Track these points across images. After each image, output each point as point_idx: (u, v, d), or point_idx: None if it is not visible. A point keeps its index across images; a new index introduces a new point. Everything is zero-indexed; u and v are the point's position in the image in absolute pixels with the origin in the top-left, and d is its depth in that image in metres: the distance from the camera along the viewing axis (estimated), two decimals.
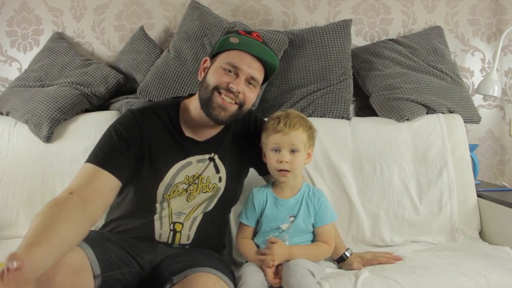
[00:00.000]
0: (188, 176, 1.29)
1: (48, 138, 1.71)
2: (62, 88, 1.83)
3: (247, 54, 1.25)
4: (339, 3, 2.16)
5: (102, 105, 1.91)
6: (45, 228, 0.95)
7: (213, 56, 1.30)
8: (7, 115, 1.83)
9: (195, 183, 1.30)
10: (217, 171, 1.33)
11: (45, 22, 2.11)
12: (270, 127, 1.31)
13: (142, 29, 2.04)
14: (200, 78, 1.31)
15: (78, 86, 1.85)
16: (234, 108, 1.25)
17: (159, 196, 1.27)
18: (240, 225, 1.39)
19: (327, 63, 1.90)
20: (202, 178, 1.31)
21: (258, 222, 1.36)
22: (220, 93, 1.23)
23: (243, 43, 1.25)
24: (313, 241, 1.35)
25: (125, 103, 1.85)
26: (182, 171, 1.29)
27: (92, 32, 2.11)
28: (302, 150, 1.30)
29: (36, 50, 2.07)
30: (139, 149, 1.24)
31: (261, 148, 1.36)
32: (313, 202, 1.33)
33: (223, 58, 1.26)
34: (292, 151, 1.29)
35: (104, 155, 1.18)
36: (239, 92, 1.23)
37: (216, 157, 1.33)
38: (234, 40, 1.25)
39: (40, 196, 1.67)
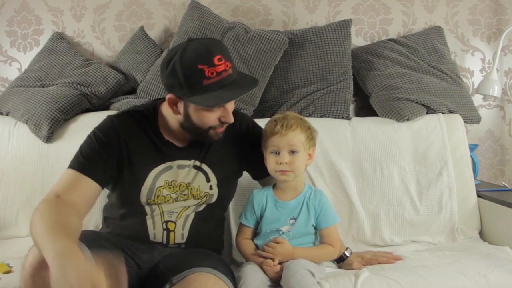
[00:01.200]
0: (168, 181, 1.28)
1: (48, 138, 1.71)
2: (62, 88, 1.83)
3: None
4: (339, 3, 2.16)
5: (102, 105, 1.91)
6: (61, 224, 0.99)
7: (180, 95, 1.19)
8: (7, 115, 1.83)
9: (185, 193, 1.29)
10: (208, 180, 1.32)
11: (45, 22, 2.11)
12: (268, 130, 1.31)
13: (142, 29, 2.04)
14: (174, 113, 1.23)
15: (78, 86, 1.85)
16: (225, 127, 1.27)
17: (143, 200, 1.27)
18: (240, 226, 1.39)
19: (327, 63, 1.90)
20: (192, 188, 1.30)
21: (257, 223, 1.36)
22: (215, 128, 1.24)
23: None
24: (315, 242, 1.35)
25: (125, 103, 1.85)
26: (161, 175, 1.28)
27: (92, 32, 2.11)
28: (301, 150, 1.29)
29: (36, 50, 2.07)
30: (119, 154, 1.25)
31: (262, 153, 1.35)
32: (314, 204, 1.33)
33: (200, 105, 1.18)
34: (292, 152, 1.29)
35: (86, 161, 1.21)
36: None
37: (205, 166, 1.31)
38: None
39: (40, 196, 1.63)
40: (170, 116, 1.26)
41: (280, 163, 1.28)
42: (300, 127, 1.30)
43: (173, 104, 1.22)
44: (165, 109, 1.28)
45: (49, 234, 0.94)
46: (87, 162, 1.20)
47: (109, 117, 1.31)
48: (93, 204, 1.21)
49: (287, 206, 1.33)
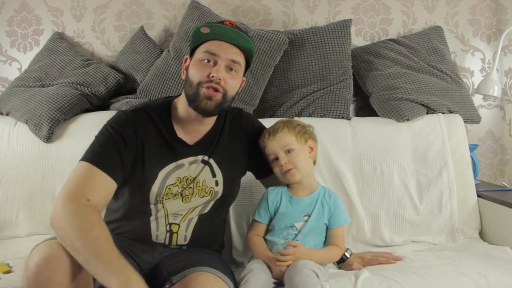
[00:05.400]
0: (180, 178, 1.28)
1: (48, 138, 1.71)
2: (62, 88, 1.83)
3: (222, 41, 1.25)
4: (339, 3, 2.16)
5: (102, 105, 1.91)
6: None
7: (191, 53, 1.30)
8: (7, 115, 1.83)
9: (190, 187, 1.29)
10: (214, 175, 1.32)
11: (45, 22, 2.11)
12: (261, 143, 1.36)
13: (142, 29, 2.04)
14: (183, 77, 1.31)
15: (78, 86, 1.85)
16: (219, 96, 1.24)
17: (152, 198, 1.26)
18: (253, 222, 1.39)
19: (327, 63, 1.90)
20: (197, 182, 1.30)
21: (270, 221, 1.36)
22: (204, 86, 1.23)
23: (214, 31, 1.25)
24: (325, 242, 1.37)
25: (125, 103, 1.85)
26: (173, 173, 1.27)
27: (92, 32, 2.11)
28: (296, 147, 1.32)
29: (36, 50, 2.07)
30: (135, 150, 1.23)
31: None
32: (329, 203, 1.35)
33: (200, 51, 1.25)
34: (288, 151, 1.32)
35: (103, 153, 1.18)
36: (219, 79, 1.22)
37: (212, 161, 1.32)
38: (205, 30, 1.24)
39: (40, 196, 1.67)
40: (182, 104, 1.28)
41: (281, 165, 1.31)
42: (286, 127, 1.34)
43: (185, 69, 1.30)
44: (178, 103, 1.31)
45: (111, 259, 1.00)
46: (105, 155, 1.18)
47: (124, 112, 1.29)
48: (107, 202, 1.20)
49: (302, 202, 1.34)
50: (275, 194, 1.37)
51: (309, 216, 1.33)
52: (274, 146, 1.32)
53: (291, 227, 1.32)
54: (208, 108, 1.23)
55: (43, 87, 1.88)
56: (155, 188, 1.25)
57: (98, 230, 1.03)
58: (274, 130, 1.34)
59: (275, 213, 1.35)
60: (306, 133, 1.37)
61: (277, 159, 1.33)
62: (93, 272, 1.00)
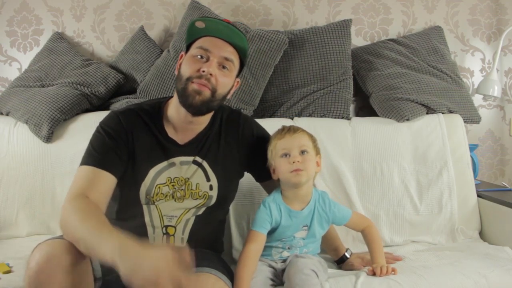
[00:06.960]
0: (171, 178, 1.27)
1: (48, 138, 1.71)
2: (62, 88, 1.83)
3: (216, 38, 1.24)
4: (339, 3, 2.16)
5: (102, 105, 1.91)
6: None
7: (187, 50, 1.30)
8: (7, 115, 1.83)
9: (182, 189, 1.28)
10: (208, 179, 1.30)
11: (45, 22, 2.11)
12: (276, 136, 1.32)
13: (142, 29, 2.04)
14: (176, 73, 1.29)
15: (78, 86, 1.85)
16: (207, 93, 1.21)
17: (142, 197, 1.25)
18: (254, 233, 1.28)
19: (327, 63, 1.90)
20: (190, 184, 1.28)
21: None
22: (193, 81, 1.21)
23: (209, 26, 1.23)
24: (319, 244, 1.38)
25: (125, 103, 1.84)
26: (164, 172, 1.27)
27: (92, 32, 2.11)
28: (311, 151, 1.29)
29: (36, 50, 2.07)
30: (127, 145, 1.24)
31: (266, 155, 1.33)
32: (325, 210, 1.34)
33: (194, 47, 1.25)
34: (302, 152, 1.27)
35: (100, 155, 1.19)
36: (210, 74, 1.20)
37: (205, 164, 1.30)
38: (200, 25, 1.23)
39: (40, 196, 1.67)
40: (174, 102, 1.27)
41: (293, 162, 1.26)
42: (306, 132, 1.33)
43: (179, 65, 1.29)
44: (171, 103, 1.30)
45: (102, 231, 0.97)
46: (102, 156, 1.19)
47: (114, 113, 1.29)
48: (109, 198, 1.20)
49: (301, 215, 1.31)
50: (276, 210, 1.30)
51: (308, 226, 1.32)
52: (290, 142, 1.28)
53: (290, 236, 1.31)
54: (195, 103, 1.20)
55: (43, 87, 1.88)
56: (144, 186, 1.25)
57: (94, 213, 1.04)
58: (293, 128, 1.31)
59: (277, 226, 1.31)
60: (317, 148, 1.34)
61: (286, 155, 1.27)
62: (93, 254, 0.98)
